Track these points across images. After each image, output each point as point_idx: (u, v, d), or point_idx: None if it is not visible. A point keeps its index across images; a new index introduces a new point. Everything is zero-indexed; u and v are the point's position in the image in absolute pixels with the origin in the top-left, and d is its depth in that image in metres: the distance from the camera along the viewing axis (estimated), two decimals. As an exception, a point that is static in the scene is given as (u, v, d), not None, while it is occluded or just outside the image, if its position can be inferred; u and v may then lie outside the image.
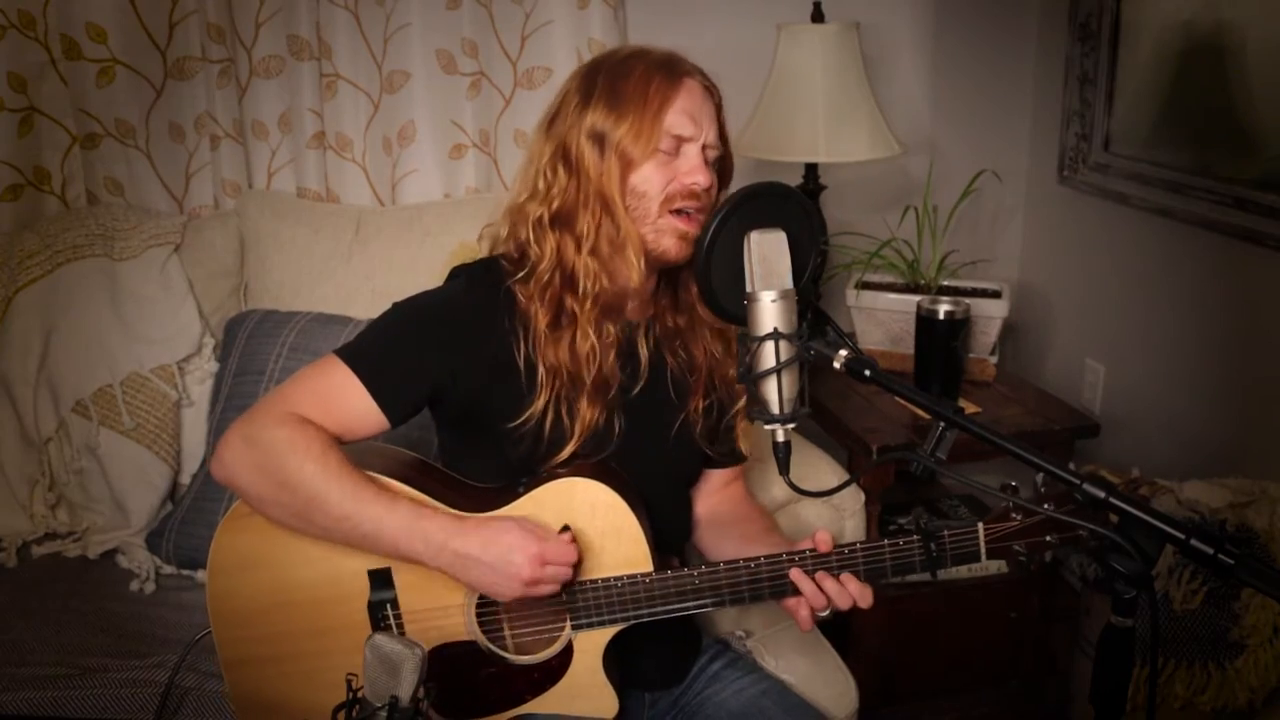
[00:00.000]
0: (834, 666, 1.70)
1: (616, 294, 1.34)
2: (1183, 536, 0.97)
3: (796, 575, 1.28)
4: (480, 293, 1.34)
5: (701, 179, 1.30)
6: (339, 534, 1.27)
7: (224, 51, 2.25)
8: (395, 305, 1.38)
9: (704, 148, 1.32)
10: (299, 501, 1.26)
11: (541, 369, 1.33)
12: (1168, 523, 0.98)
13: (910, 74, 2.63)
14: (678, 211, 1.31)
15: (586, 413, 1.34)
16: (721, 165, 1.37)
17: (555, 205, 1.33)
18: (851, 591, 1.27)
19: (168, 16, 2.21)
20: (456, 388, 1.34)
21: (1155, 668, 1.08)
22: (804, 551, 1.29)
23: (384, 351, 1.33)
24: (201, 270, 2.17)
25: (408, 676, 1.03)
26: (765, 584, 1.30)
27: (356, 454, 1.33)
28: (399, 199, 2.37)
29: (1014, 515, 1.26)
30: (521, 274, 1.34)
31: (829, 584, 1.27)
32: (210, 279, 2.18)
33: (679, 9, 2.45)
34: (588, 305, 1.32)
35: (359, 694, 1.05)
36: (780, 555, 1.30)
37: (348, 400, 1.30)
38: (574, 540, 1.28)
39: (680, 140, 1.31)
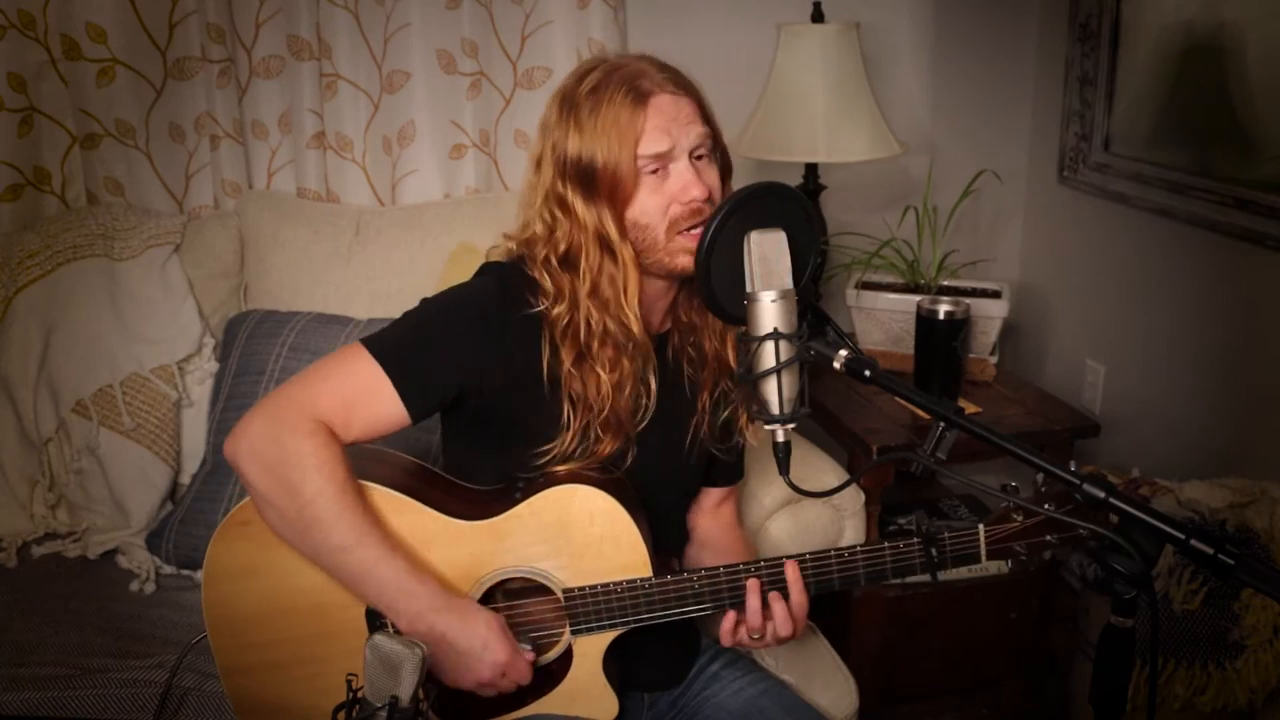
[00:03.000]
0: (834, 667, 1.70)
1: (625, 333, 1.32)
2: (1183, 536, 0.97)
3: (751, 588, 1.29)
4: (511, 297, 1.33)
5: (698, 191, 1.28)
6: (327, 562, 1.27)
7: (224, 51, 2.25)
8: (424, 302, 1.37)
9: (691, 152, 1.30)
10: (303, 518, 1.25)
11: (568, 402, 1.32)
12: (1168, 523, 0.98)
13: (910, 74, 2.63)
14: (685, 230, 1.30)
15: (608, 445, 1.34)
16: (719, 158, 1.35)
17: (561, 249, 1.31)
18: (795, 616, 1.30)
19: (168, 16, 2.21)
20: (481, 389, 1.33)
21: (1155, 668, 1.08)
22: (804, 555, 1.30)
23: (414, 350, 1.32)
24: (201, 270, 2.17)
25: (408, 677, 1.03)
26: (764, 586, 1.30)
27: (353, 458, 1.32)
28: (399, 199, 2.37)
29: (1015, 516, 1.26)
30: (543, 306, 1.32)
31: (777, 605, 1.30)
32: (210, 279, 2.18)
33: (679, 9, 2.45)
34: (597, 346, 1.31)
35: (359, 694, 1.05)
36: (779, 559, 1.30)
37: (374, 400, 1.29)
38: (533, 664, 1.31)
39: (663, 158, 1.28)
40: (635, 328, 1.31)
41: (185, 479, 2.09)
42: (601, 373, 1.31)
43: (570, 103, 1.31)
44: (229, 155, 2.31)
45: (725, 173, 1.36)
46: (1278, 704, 1.88)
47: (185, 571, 1.93)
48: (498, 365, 1.32)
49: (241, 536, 1.32)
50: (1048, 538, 1.25)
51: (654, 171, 1.28)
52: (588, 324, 1.31)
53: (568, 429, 1.32)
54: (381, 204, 2.36)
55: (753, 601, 1.29)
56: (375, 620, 1.33)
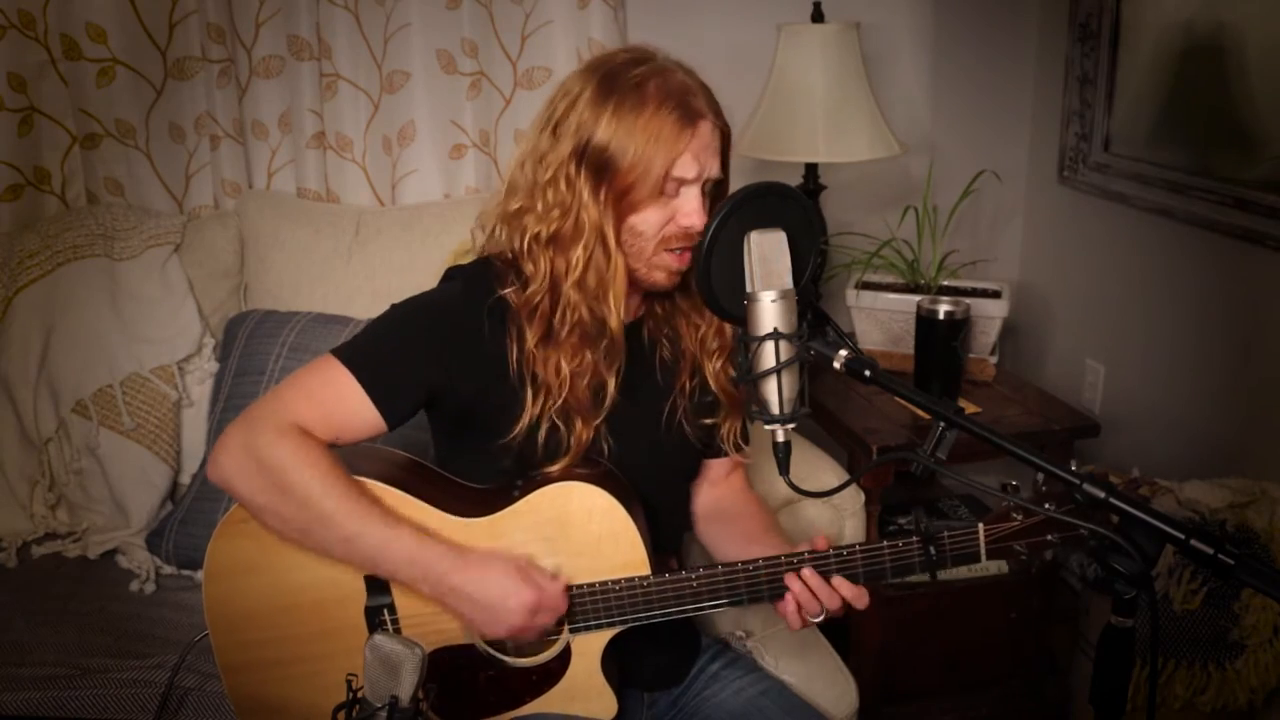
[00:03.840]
0: (834, 666, 1.70)
1: (598, 325, 1.32)
2: (1183, 536, 0.97)
3: (789, 577, 1.28)
4: (476, 296, 1.33)
5: (699, 220, 1.29)
6: (338, 552, 1.27)
7: (224, 51, 2.25)
8: (393, 307, 1.37)
9: (704, 183, 1.30)
10: (303, 516, 1.26)
11: (531, 384, 1.32)
12: (1168, 523, 0.98)
13: (910, 74, 2.63)
14: (672, 249, 1.31)
15: (582, 431, 1.33)
16: (717, 191, 1.35)
17: (554, 227, 1.30)
18: (844, 594, 1.27)
19: (168, 16, 2.21)
20: (454, 390, 1.33)
21: (1155, 668, 1.08)
22: (801, 554, 1.29)
23: (382, 354, 1.32)
24: (201, 270, 2.18)
25: (407, 677, 1.03)
26: (764, 586, 1.30)
27: (350, 456, 1.33)
28: (399, 199, 2.38)
29: (1014, 515, 1.25)
30: (514, 287, 1.33)
31: (819, 585, 1.27)
32: (210, 279, 2.18)
33: (679, 9, 2.45)
34: (568, 333, 1.31)
35: (359, 694, 1.05)
36: (778, 558, 1.30)
37: (346, 404, 1.29)
38: (566, 590, 1.29)
39: (683, 182, 1.29)
40: (614, 323, 1.31)
41: (185, 479, 2.09)
42: (563, 359, 1.31)
43: (612, 86, 1.28)
44: (229, 155, 2.31)
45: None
46: (1278, 704, 1.88)
47: (185, 571, 1.94)
48: (466, 367, 1.32)
49: (242, 534, 1.32)
50: (1048, 537, 1.24)
51: (669, 193, 1.29)
52: (563, 310, 1.31)
53: (528, 410, 1.32)
54: (381, 204, 2.36)
55: (797, 586, 1.28)
56: (374, 618, 1.33)
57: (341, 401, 1.29)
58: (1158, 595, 1.86)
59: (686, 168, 1.27)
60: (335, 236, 2.19)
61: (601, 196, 1.28)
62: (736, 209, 1.16)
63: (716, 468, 1.56)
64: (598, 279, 1.30)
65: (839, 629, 1.96)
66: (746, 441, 1.53)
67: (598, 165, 1.28)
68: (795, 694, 1.53)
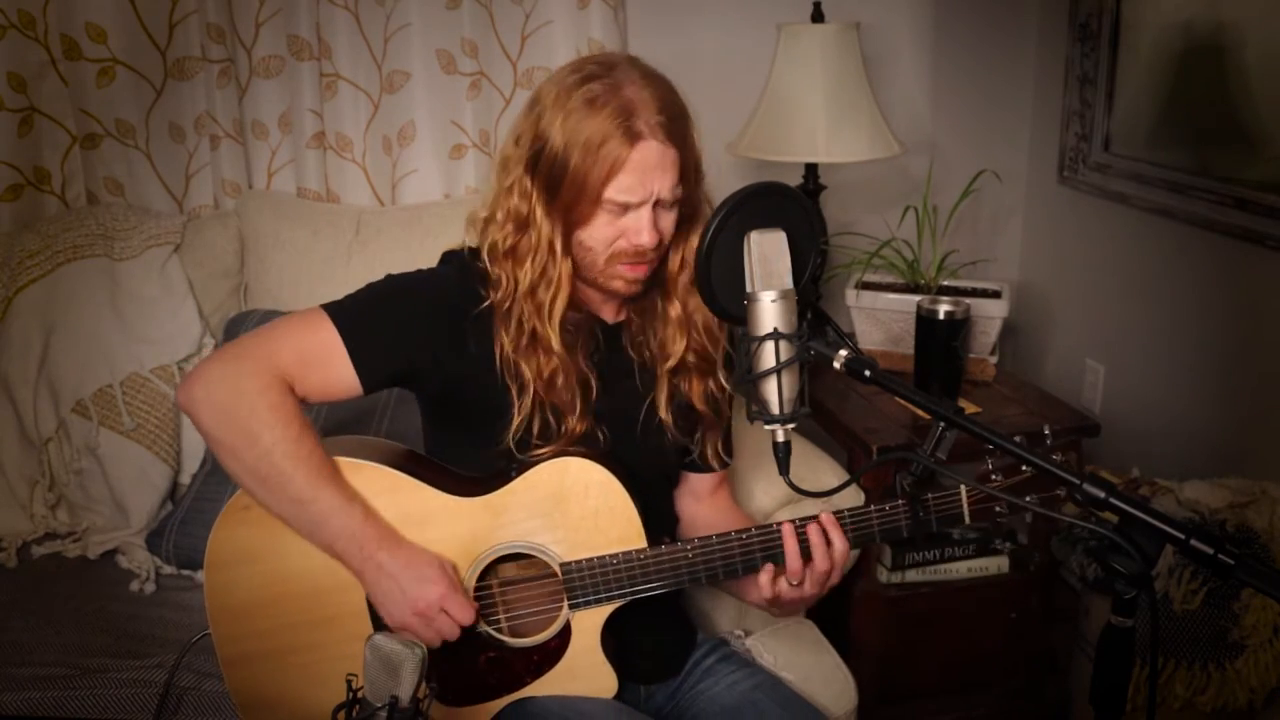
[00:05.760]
0: (833, 665, 1.70)
1: (546, 340, 1.34)
2: (1183, 536, 0.97)
3: (786, 530, 1.30)
4: (470, 285, 1.36)
5: (646, 240, 1.30)
6: (286, 512, 1.29)
7: (224, 51, 2.25)
8: (389, 277, 1.39)
9: (657, 201, 1.30)
10: (261, 467, 1.27)
11: (516, 383, 1.35)
12: (1168, 523, 0.98)
13: (910, 74, 2.63)
14: (624, 263, 1.33)
15: (575, 425, 1.35)
16: (684, 205, 1.35)
17: (509, 241, 1.34)
18: (838, 547, 1.30)
19: (168, 16, 2.21)
20: (438, 372, 1.35)
21: (1155, 668, 1.08)
22: (794, 520, 1.32)
23: (372, 321, 1.34)
24: (201, 270, 2.18)
25: (408, 676, 1.03)
26: (757, 553, 1.33)
27: (350, 446, 1.34)
28: (399, 199, 2.38)
29: (994, 476, 1.28)
30: (493, 290, 1.35)
31: (815, 539, 1.30)
32: (210, 279, 2.18)
33: (679, 9, 2.45)
34: (526, 341, 1.34)
35: (359, 694, 1.05)
36: (770, 525, 1.32)
37: (329, 363, 1.31)
38: (476, 609, 1.31)
39: (626, 206, 1.29)
40: (554, 343, 1.33)
41: (185, 479, 2.09)
42: (540, 361, 1.34)
43: (568, 97, 1.30)
44: (229, 155, 2.31)
45: (687, 220, 1.37)
46: (1278, 704, 1.88)
47: (185, 571, 1.93)
48: (452, 353, 1.34)
49: (243, 522, 1.33)
50: (1027, 498, 1.26)
51: (613, 211, 1.30)
52: (519, 321, 1.34)
53: (518, 412, 1.35)
54: (381, 204, 2.36)
55: (790, 544, 1.30)
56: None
57: (326, 362, 1.31)
58: (1158, 595, 1.86)
59: (626, 191, 1.28)
60: (335, 237, 2.19)
61: (549, 216, 1.31)
62: (736, 209, 1.16)
63: (699, 482, 1.57)
64: (545, 292, 1.33)
65: (838, 628, 1.96)
66: (730, 455, 1.55)
67: (547, 176, 1.30)
68: (789, 688, 1.53)
